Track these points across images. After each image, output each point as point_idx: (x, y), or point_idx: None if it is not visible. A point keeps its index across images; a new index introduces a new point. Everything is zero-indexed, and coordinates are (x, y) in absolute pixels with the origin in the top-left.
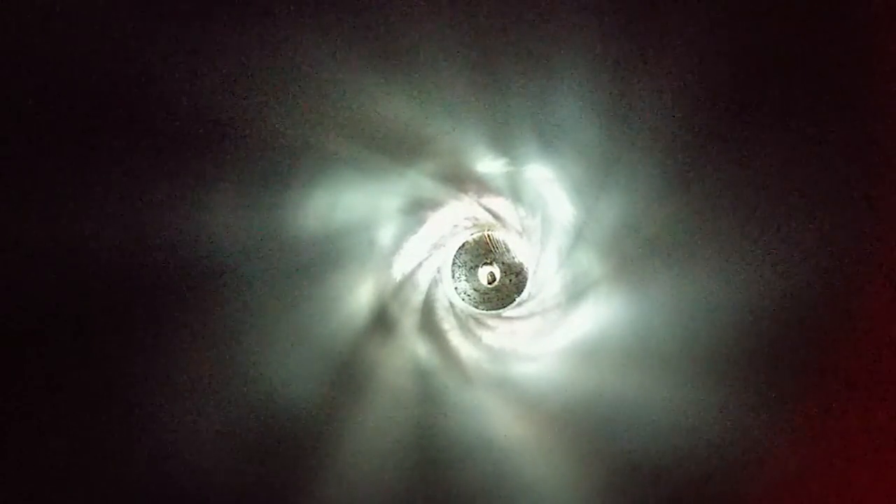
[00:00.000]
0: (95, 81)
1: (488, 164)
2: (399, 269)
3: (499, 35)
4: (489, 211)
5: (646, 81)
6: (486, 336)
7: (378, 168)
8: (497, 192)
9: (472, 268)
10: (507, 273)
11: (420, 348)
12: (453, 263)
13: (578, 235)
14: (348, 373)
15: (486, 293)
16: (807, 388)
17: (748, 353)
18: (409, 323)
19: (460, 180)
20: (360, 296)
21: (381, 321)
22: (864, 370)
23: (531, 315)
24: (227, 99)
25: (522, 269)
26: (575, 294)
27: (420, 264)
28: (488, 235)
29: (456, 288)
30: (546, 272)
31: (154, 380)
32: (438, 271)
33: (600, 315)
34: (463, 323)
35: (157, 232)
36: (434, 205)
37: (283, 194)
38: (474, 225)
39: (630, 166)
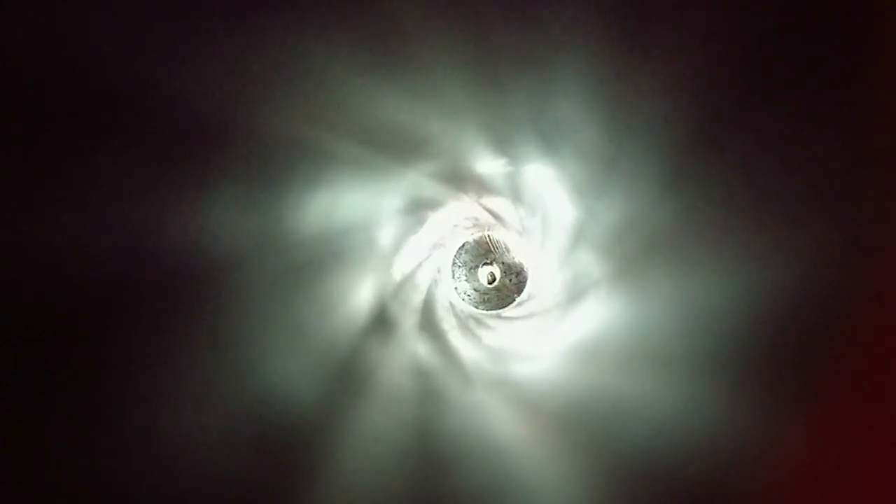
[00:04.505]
0: (92, 81)
1: (488, 164)
2: (399, 269)
3: (499, 34)
4: (489, 211)
5: (646, 81)
6: (486, 336)
7: (378, 168)
8: (497, 192)
9: (472, 268)
10: (507, 273)
11: (420, 348)
12: (453, 263)
13: (578, 235)
14: (348, 373)
15: (486, 293)
16: (809, 387)
17: (749, 352)
18: (409, 323)
19: (460, 180)
20: (360, 296)
21: (381, 321)
22: (868, 370)
23: (531, 315)
24: (227, 99)
25: (522, 269)
26: (575, 294)
27: (420, 264)
28: (488, 235)
29: (456, 288)
30: (546, 272)
31: (151, 381)
32: (438, 271)
33: (600, 315)
34: (463, 323)
35: (155, 232)
36: (434, 205)
37: (282, 194)
38: (474, 225)
39: (630, 166)
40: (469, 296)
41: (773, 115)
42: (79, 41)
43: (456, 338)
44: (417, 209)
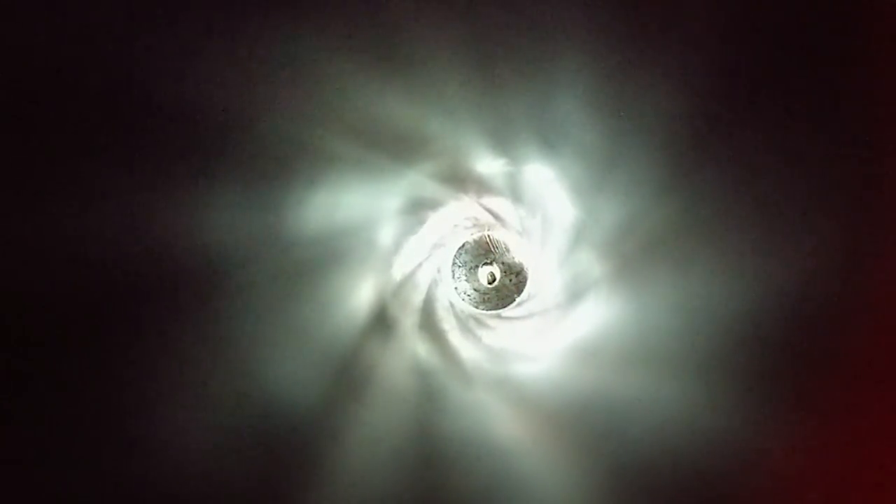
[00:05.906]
0: (92, 80)
1: (488, 164)
2: (399, 269)
3: (498, 34)
4: (489, 211)
5: (646, 81)
6: (486, 336)
7: (378, 168)
8: (497, 192)
9: (472, 268)
10: (507, 273)
11: (420, 348)
12: (453, 263)
13: (578, 235)
14: (348, 373)
15: (486, 293)
16: (810, 388)
17: (749, 352)
18: (409, 323)
19: (460, 180)
20: (360, 296)
21: (381, 321)
22: (868, 371)
23: (531, 315)
24: (227, 99)
25: (522, 269)
26: (575, 294)
27: (420, 264)
28: (488, 235)
29: (456, 288)
30: (546, 272)
31: (151, 381)
32: (438, 271)
33: (600, 315)
34: (463, 323)
35: (155, 232)
36: (434, 205)
37: (283, 194)
38: (474, 225)
39: (630, 166)
40: (469, 296)
41: (772, 115)
42: (79, 41)
43: (456, 338)
44: (417, 209)
